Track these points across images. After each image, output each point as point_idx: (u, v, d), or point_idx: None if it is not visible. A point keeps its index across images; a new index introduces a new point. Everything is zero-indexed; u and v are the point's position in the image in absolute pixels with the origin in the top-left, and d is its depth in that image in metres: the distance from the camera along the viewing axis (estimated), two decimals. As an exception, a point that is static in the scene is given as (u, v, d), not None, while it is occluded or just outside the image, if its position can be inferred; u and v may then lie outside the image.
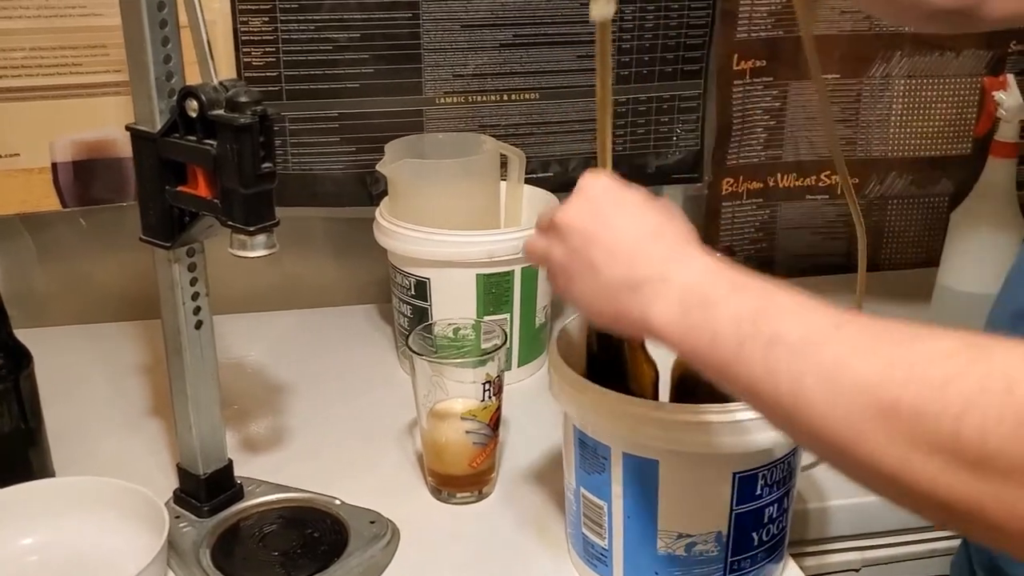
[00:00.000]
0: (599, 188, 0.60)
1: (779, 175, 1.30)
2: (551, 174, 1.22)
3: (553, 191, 1.21)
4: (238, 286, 1.23)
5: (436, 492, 0.87)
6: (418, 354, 0.83)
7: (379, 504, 0.83)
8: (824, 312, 0.47)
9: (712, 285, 0.51)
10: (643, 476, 0.68)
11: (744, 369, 0.48)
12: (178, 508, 0.82)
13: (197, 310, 0.78)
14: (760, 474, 0.68)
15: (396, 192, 1.03)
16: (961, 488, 0.40)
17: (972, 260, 1.10)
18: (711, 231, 1.30)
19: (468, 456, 0.84)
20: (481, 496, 0.86)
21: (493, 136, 1.13)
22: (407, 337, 0.85)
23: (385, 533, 0.80)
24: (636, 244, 0.55)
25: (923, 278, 1.20)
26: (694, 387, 0.69)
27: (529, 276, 1.02)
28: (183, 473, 0.82)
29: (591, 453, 0.71)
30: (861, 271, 0.90)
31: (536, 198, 1.11)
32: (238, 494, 0.84)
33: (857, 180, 1.30)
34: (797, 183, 1.30)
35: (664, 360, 0.74)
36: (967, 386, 0.40)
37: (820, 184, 1.30)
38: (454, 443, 0.84)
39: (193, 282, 0.77)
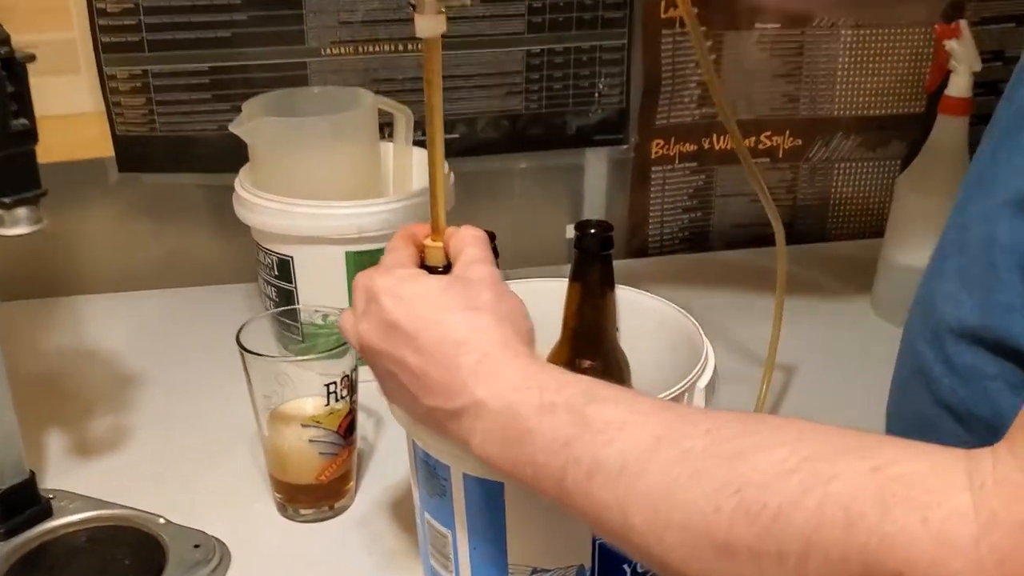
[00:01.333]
0: (388, 296, 0.52)
1: (715, 136, 1.17)
2: (457, 135, 1.09)
3: (459, 155, 1.08)
4: (111, 263, 1.11)
5: (282, 508, 0.75)
6: (247, 351, 0.70)
7: (215, 522, 0.72)
8: (644, 425, 0.43)
9: (524, 406, 0.47)
10: (487, 501, 0.56)
11: (571, 501, 0.44)
12: (-29, 530, 0.70)
13: (-25, 300, 0.65)
14: (630, 499, 0.56)
15: (256, 157, 0.90)
16: None
17: (919, 230, 0.97)
18: (640, 199, 1.18)
19: (315, 468, 0.72)
20: (334, 512, 0.74)
21: (388, 92, 1.00)
22: (240, 328, 0.72)
23: (211, 558, 0.69)
24: (444, 364, 0.50)
25: (872, 250, 1.08)
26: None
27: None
28: (-25, 490, 0.70)
29: (432, 474, 0.59)
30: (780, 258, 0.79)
31: (431, 163, 0.98)
32: (45, 512, 0.72)
33: (800, 142, 1.17)
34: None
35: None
36: (803, 520, 0.35)
37: (760, 146, 1.17)
38: (297, 453, 0.72)
39: (-33, 266, 0.64)
